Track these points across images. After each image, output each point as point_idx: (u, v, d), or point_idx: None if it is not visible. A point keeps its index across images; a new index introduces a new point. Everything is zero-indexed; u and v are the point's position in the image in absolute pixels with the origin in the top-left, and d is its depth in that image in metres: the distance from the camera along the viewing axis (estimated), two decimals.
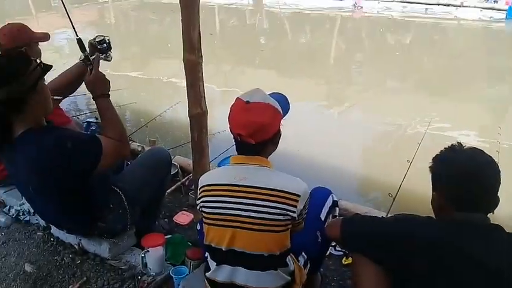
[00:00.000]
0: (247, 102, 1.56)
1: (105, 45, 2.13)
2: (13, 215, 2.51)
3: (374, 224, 1.55)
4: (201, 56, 2.17)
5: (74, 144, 1.78)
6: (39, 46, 2.75)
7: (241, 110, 1.56)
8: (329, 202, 1.97)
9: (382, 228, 1.50)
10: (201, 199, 1.62)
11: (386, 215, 2.59)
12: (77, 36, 2.02)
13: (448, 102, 5.91)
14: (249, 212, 1.52)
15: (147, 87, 6.70)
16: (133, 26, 11.96)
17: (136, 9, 14.03)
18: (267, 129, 1.56)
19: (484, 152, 1.45)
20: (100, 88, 1.95)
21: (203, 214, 1.62)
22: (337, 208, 2.02)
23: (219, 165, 3.35)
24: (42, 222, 2.45)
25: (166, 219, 2.73)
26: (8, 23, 2.67)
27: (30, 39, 2.66)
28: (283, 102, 1.74)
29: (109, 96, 1.96)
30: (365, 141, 4.82)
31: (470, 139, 4.71)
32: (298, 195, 1.53)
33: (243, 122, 1.54)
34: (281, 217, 1.51)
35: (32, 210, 2.48)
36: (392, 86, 6.90)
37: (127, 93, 5.43)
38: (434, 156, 1.51)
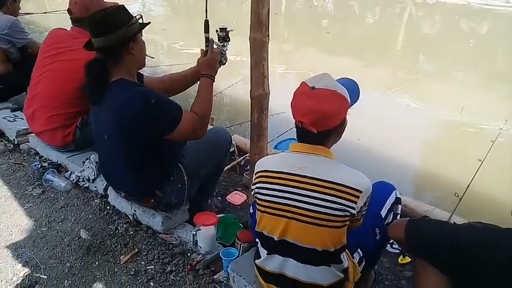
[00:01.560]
0: (313, 88, 1.46)
1: (224, 33, 2.19)
2: (73, 180, 2.59)
3: (445, 231, 1.42)
4: (268, 35, 2.08)
5: (158, 101, 1.86)
6: None
7: (306, 96, 1.47)
8: (392, 198, 1.86)
9: (455, 237, 1.37)
10: (256, 185, 1.56)
11: (451, 216, 2.43)
12: (206, 17, 2.11)
13: None
14: (305, 204, 1.44)
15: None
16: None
17: None
18: (331, 118, 1.46)
19: None
20: (208, 70, 2.11)
21: (257, 201, 1.56)
22: (399, 206, 1.91)
23: (275, 148, 3.30)
24: (100, 190, 2.51)
25: (219, 198, 2.72)
26: None
27: (101, 7, 2.68)
28: (353, 89, 1.63)
29: (213, 80, 2.12)
30: (432, 135, 4.56)
31: None
32: (360, 191, 1.43)
33: (307, 109, 1.45)
34: (339, 213, 1.42)
35: (91, 178, 2.54)
36: (465, 77, 6.49)
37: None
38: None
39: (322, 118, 1.44)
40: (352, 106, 1.60)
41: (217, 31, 2.21)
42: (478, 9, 10.11)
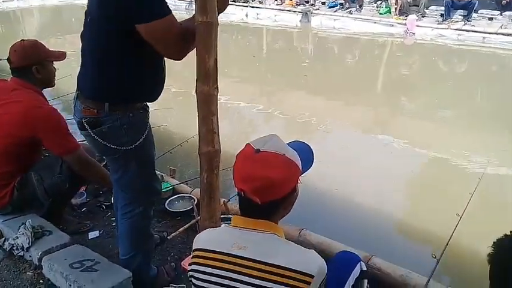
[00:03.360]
0: (258, 150, 1.24)
1: None
2: (7, 248, 2.30)
3: None
4: (217, 88, 1.88)
5: None
6: (53, 65, 2.59)
7: (248, 160, 1.25)
8: (356, 272, 1.59)
9: None
10: (191, 266, 1.31)
11: (428, 280, 2.18)
12: None
13: (509, 142, 5.33)
14: None
15: (183, 106, 6.58)
16: None
17: None
18: (278, 187, 1.23)
19: None
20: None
21: (192, 283, 1.30)
22: (365, 280, 1.64)
23: None
24: (35, 260, 2.22)
25: (173, 264, 2.44)
26: (22, 39, 2.51)
27: (43, 57, 2.49)
28: (306, 154, 1.41)
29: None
30: (410, 182, 4.38)
31: None
32: (312, 276, 1.17)
33: (249, 175, 1.23)
34: None
35: (25, 246, 2.25)
36: (444, 118, 6.39)
37: (162, 112, 5.27)
38: (495, 241, 1.12)
39: (266, 186, 1.21)
40: (305, 173, 1.38)
41: None
42: (455, 49, 10.23)
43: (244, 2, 14.07)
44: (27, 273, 2.17)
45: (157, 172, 3.26)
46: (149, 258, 2.24)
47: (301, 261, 1.20)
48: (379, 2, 12.32)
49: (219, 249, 1.26)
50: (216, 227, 1.79)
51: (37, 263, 2.20)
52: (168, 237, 2.62)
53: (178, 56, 1.85)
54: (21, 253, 2.28)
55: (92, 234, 2.72)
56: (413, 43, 10.84)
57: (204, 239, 1.35)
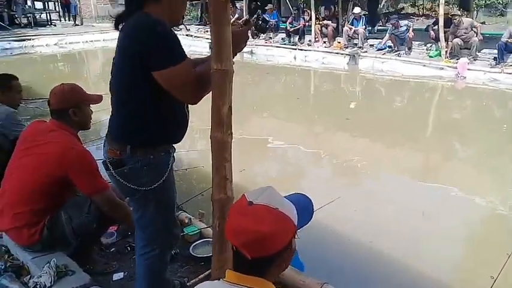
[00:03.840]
0: (250, 203, 1.21)
1: (261, 23, 2.06)
2: (31, 286, 2.36)
3: None
4: (231, 134, 1.90)
5: (165, 33, 1.80)
6: (90, 108, 2.72)
7: (240, 213, 1.22)
8: None
9: None
10: None
11: None
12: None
13: None
14: None
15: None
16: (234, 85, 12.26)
17: (238, 67, 14.60)
18: (269, 242, 1.18)
19: None
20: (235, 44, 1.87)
21: None
22: None
23: None
24: None
25: None
26: (62, 83, 2.67)
27: (80, 100, 2.63)
28: (304, 207, 1.37)
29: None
30: (456, 236, 4.04)
31: None
32: None
33: (239, 229, 1.20)
34: None
35: (47, 285, 2.31)
36: (500, 165, 6.04)
37: (201, 153, 5.36)
38: None
39: (257, 241, 1.17)
40: (302, 227, 1.33)
41: (258, 13, 2.07)
42: (509, 94, 9.78)
43: (292, 45, 14.32)
44: None
45: (186, 215, 3.37)
46: None
47: None
48: (429, 45, 12.10)
49: None
50: None
51: None
52: (188, 284, 2.59)
53: (194, 100, 1.91)
54: None
55: (117, 276, 2.74)
56: (464, 87, 10.49)
57: None
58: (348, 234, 3.90)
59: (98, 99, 2.69)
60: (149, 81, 1.82)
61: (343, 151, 6.45)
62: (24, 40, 16.78)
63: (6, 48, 16.06)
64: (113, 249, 3.03)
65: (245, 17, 2.02)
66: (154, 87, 1.84)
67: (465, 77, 10.46)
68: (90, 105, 2.70)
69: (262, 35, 2.50)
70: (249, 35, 2.00)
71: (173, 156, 2.11)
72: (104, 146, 2.09)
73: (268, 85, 12.10)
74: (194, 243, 3.02)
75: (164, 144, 2.04)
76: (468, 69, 10.47)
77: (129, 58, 1.86)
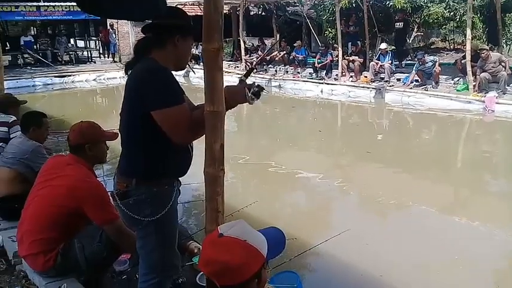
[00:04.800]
0: (220, 235, 1.34)
1: (258, 89, 2.15)
2: None
3: None
4: (223, 170, 2.04)
5: (164, 77, 2.01)
6: (106, 144, 2.93)
7: (210, 244, 1.35)
8: None
9: None
10: None
11: None
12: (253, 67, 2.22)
13: None
14: None
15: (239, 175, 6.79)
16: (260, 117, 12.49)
17: (265, 101, 14.88)
18: (235, 271, 1.29)
19: None
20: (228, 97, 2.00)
21: None
22: None
23: (271, 283, 3.06)
24: None
25: None
26: (81, 121, 2.90)
27: (97, 137, 2.84)
28: (276, 240, 1.47)
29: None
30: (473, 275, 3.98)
31: None
32: None
33: (209, 259, 1.33)
34: None
35: None
36: None
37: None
38: None
39: (223, 270, 1.29)
40: (272, 259, 1.44)
41: (254, 83, 2.18)
42: None
43: (319, 79, 14.52)
44: None
45: (196, 244, 3.49)
46: None
47: None
48: (456, 79, 12.03)
49: None
50: None
51: None
52: None
53: (184, 141, 2.08)
54: None
55: None
56: (492, 120, 10.33)
57: None
58: (360, 270, 3.89)
59: (113, 136, 2.89)
60: (151, 120, 2.01)
61: (365, 184, 6.45)
62: (65, 76, 17.67)
63: (48, 84, 16.95)
64: (124, 276, 3.17)
65: (241, 77, 2.16)
66: (156, 126, 2.01)
67: (493, 111, 10.31)
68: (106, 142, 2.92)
69: (256, 100, 2.68)
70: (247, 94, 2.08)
71: (178, 190, 2.26)
72: (114, 178, 2.28)
73: (293, 117, 12.26)
74: (201, 273, 3.13)
75: (167, 178, 2.20)
76: (497, 103, 10.33)
77: (133, 98, 2.07)
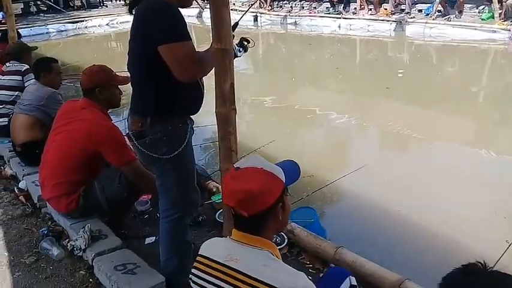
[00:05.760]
0: (237, 168, 1.39)
1: (246, 43, 2.20)
2: (69, 248, 2.64)
3: None
4: (234, 109, 2.02)
5: (173, 13, 1.93)
6: (118, 88, 2.91)
7: (230, 178, 1.39)
8: (344, 286, 1.62)
9: None
10: (193, 269, 1.46)
11: None
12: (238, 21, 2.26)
13: None
14: None
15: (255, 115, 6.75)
16: (276, 56, 12.24)
17: (281, 39, 14.54)
18: (259, 198, 1.33)
19: None
20: None
21: (190, 285, 1.45)
22: None
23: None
24: (89, 261, 2.53)
25: None
26: (93, 64, 2.87)
27: (108, 81, 2.82)
28: (291, 168, 1.50)
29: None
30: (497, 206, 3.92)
31: None
32: None
33: (230, 191, 1.37)
34: None
35: (82, 247, 2.57)
36: None
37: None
38: (445, 276, 1.08)
39: (248, 198, 1.33)
40: (290, 185, 1.46)
41: (242, 38, 2.20)
42: None
43: (337, 14, 14.01)
44: (81, 272, 2.47)
45: (214, 184, 3.55)
46: (186, 264, 2.38)
47: (286, 281, 1.28)
48: (481, 7, 11.44)
49: (215, 257, 1.40)
50: None
51: (90, 264, 2.50)
52: None
53: (188, 77, 2.01)
54: (80, 253, 2.61)
55: (148, 240, 2.98)
56: None
57: (208, 247, 1.49)
58: (376, 202, 3.91)
59: (124, 80, 2.84)
60: (158, 57, 1.96)
61: (384, 120, 6.35)
62: (77, 22, 17.46)
63: (62, 30, 16.81)
64: (146, 216, 3.28)
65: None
66: (164, 63, 1.97)
67: None
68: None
69: (244, 52, 2.62)
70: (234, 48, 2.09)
71: (192, 128, 2.26)
72: (127, 120, 2.29)
73: (310, 55, 11.97)
74: (220, 210, 3.20)
75: (181, 116, 2.19)
76: None
77: (139, 36, 2.02)
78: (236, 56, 2.13)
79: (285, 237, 2.85)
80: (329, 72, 9.53)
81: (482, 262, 1.04)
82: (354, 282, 1.63)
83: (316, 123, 6.57)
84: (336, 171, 3.85)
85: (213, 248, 1.46)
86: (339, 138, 6.04)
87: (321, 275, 2.59)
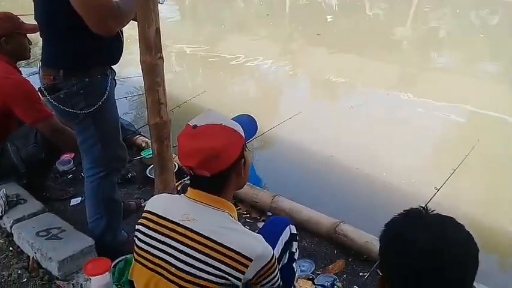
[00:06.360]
0: (195, 126, 1.27)
1: None
2: None
3: None
4: (161, 57, 1.84)
5: None
6: (27, 38, 2.61)
7: (188, 137, 1.27)
8: (285, 236, 1.59)
9: None
10: (138, 226, 1.36)
11: None
12: None
13: None
14: (183, 263, 1.23)
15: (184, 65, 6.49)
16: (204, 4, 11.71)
17: None
18: (222, 155, 1.25)
19: (459, 225, 0.99)
20: None
21: (135, 245, 1.36)
22: (295, 243, 1.64)
23: None
24: (8, 228, 2.31)
25: None
26: None
27: (12, 29, 2.51)
28: (248, 123, 1.44)
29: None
30: (421, 148, 4.10)
31: None
32: (250, 260, 1.21)
33: (190, 151, 1.26)
34: (219, 280, 1.21)
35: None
36: (477, 71, 6.08)
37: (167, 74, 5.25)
38: (387, 222, 1.06)
39: (210, 157, 1.23)
40: (249, 140, 1.39)
41: None
42: (488, 0, 9.59)
43: None
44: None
45: (143, 139, 3.37)
46: (116, 224, 2.27)
47: (244, 244, 1.23)
48: None
49: (168, 216, 1.30)
50: None
51: (9, 231, 2.29)
52: (143, 204, 2.66)
53: (107, 33, 1.82)
54: None
55: (74, 201, 2.79)
56: None
57: (158, 203, 1.40)
58: (310, 149, 3.93)
59: (33, 29, 2.53)
60: (68, 6, 1.73)
61: (316, 67, 6.37)
62: None
63: None
64: (69, 176, 3.06)
65: None
66: (75, 13, 1.74)
67: None
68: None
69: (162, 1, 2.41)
70: None
71: (113, 80, 2.07)
72: (38, 73, 2.04)
73: (239, 2, 11.62)
74: (151, 166, 3.05)
75: (99, 66, 1.98)
76: None
77: None
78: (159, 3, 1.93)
79: None
80: (259, 19, 9.32)
81: (424, 206, 1.03)
82: (294, 231, 1.62)
83: (248, 72, 6.45)
84: (269, 120, 3.78)
85: (165, 205, 1.36)
86: (271, 87, 5.99)
87: (258, 224, 2.60)
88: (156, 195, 1.47)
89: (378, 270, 1.28)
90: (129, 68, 4.50)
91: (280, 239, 1.55)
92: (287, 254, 1.58)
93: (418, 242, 0.94)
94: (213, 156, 1.23)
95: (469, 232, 0.97)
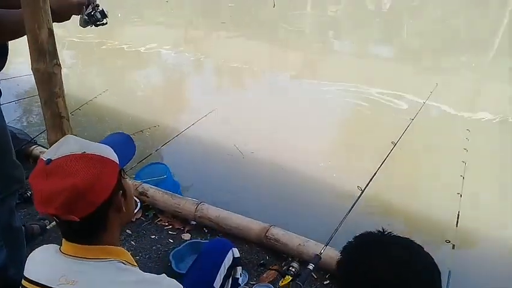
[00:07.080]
0: (49, 161, 0.98)
1: (97, 10, 1.77)
2: None
3: None
4: (58, 64, 1.56)
5: None
6: None
7: (40, 177, 0.98)
8: (227, 261, 1.45)
9: None
10: None
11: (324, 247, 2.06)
12: None
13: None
14: None
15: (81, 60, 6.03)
16: None
17: None
18: (88, 193, 0.97)
19: (419, 248, 0.94)
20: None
21: None
22: (238, 268, 1.50)
23: (137, 178, 2.80)
24: None
25: None
26: None
27: None
28: (121, 143, 1.17)
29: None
30: (335, 137, 4.21)
31: None
32: None
33: (47, 194, 0.96)
34: None
35: None
36: (375, 54, 6.31)
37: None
38: (344, 246, 0.98)
39: (73, 198, 0.95)
40: (126, 164, 1.12)
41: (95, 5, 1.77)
42: None
43: None
44: None
45: (40, 149, 3.01)
46: (19, 255, 1.97)
47: None
48: None
49: (46, 282, 1.03)
50: None
51: None
52: (48, 227, 2.37)
53: None
54: None
55: None
56: None
57: (32, 264, 1.10)
58: (229, 151, 3.79)
59: None
60: None
61: (223, 56, 6.24)
62: None
63: None
64: None
65: None
66: None
67: None
68: None
69: (90, 25, 2.11)
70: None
71: None
72: None
73: None
74: None
75: None
76: None
77: None
78: (80, 23, 1.74)
79: (137, 201, 2.55)
80: (159, 6, 8.92)
81: (380, 230, 0.98)
82: (237, 254, 1.49)
83: (151, 64, 6.13)
84: (181, 117, 3.59)
85: (42, 268, 1.08)
86: (178, 79, 5.75)
87: (183, 235, 2.42)
88: (33, 253, 1.13)
89: None
90: (17, 65, 4.01)
91: (223, 265, 1.41)
92: (230, 280, 1.45)
93: (378, 272, 0.90)
94: (76, 196, 0.96)
95: (428, 254, 0.95)
